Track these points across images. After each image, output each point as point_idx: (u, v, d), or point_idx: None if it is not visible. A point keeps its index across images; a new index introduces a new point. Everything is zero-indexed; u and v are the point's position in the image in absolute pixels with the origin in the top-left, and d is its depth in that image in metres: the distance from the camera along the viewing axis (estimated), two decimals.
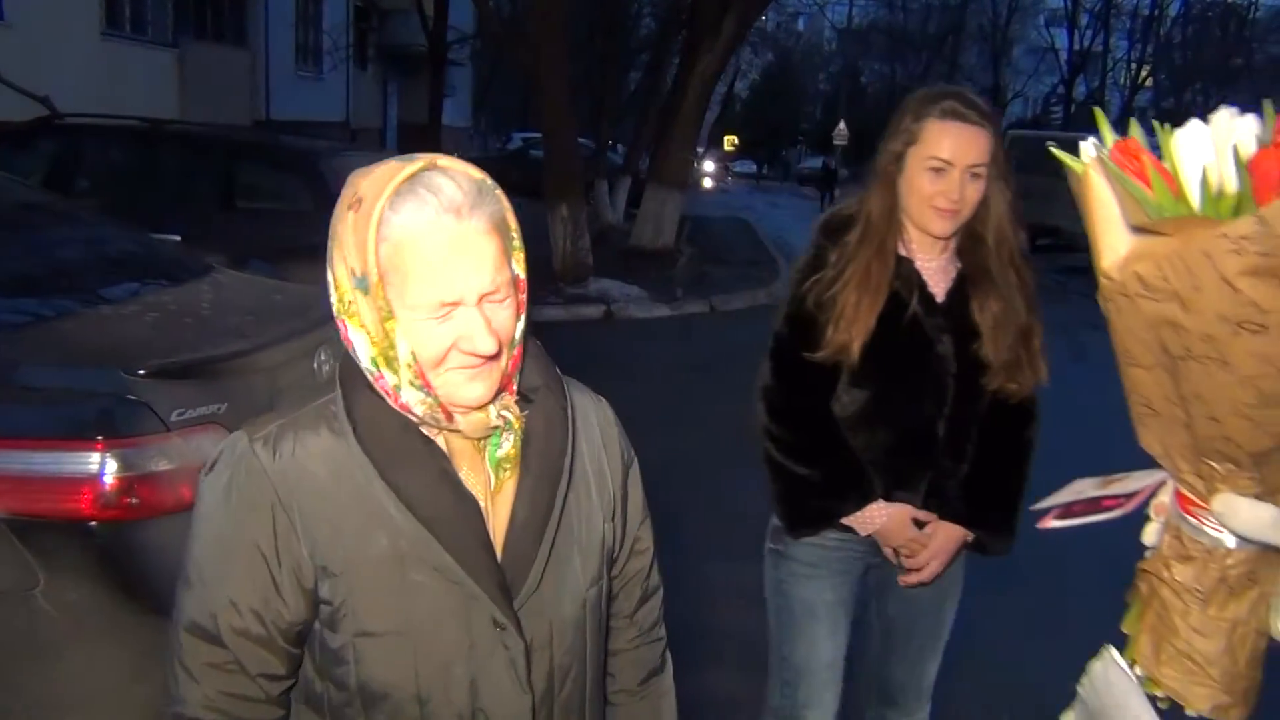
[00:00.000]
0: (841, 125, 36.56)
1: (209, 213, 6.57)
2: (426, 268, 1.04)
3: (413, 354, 1.07)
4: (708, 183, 39.22)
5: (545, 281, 10.77)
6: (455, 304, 1.05)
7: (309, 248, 5.26)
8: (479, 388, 1.10)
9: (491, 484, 1.17)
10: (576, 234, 11.04)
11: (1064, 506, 0.93)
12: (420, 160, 1.07)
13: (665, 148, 13.81)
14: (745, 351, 9.96)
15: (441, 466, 1.13)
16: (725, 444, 6.33)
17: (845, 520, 2.13)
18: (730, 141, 55.65)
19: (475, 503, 1.14)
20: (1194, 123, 0.74)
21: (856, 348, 1.97)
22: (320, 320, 3.03)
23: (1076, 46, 37.75)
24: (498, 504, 1.17)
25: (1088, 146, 0.75)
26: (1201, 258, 0.65)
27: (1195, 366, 0.70)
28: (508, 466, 1.18)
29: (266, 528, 1.12)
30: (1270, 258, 0.64)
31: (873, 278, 1.96)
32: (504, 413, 1.15)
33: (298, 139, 8.82)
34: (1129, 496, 0.87)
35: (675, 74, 14.76)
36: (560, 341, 9.68)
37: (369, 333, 1.08)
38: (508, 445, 1.17)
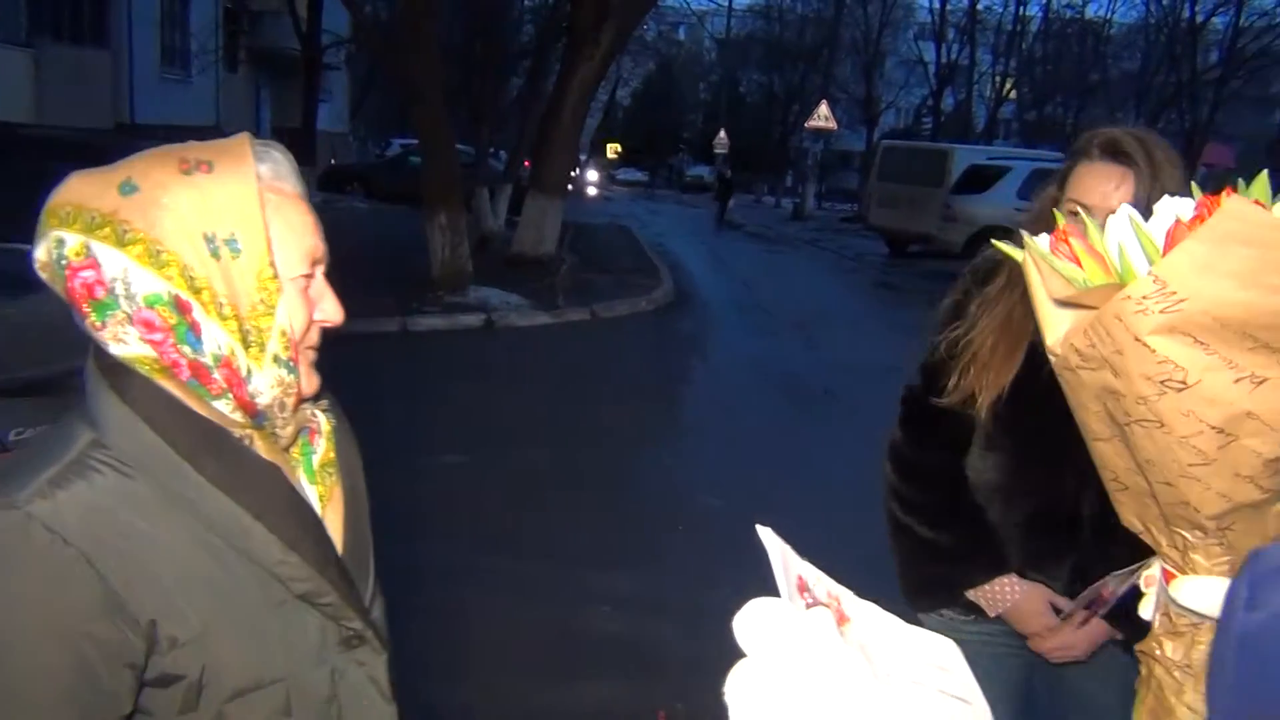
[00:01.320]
0: (722, 134, 37.11)
1: None
2: (300, 223, 1.04)
3: (289, 321, 1.02)
4: (591, 190, 39.29)
5: (424, 289, 10.62)
6: (319, 262, 1.06)
7: None
8: (316, 378, 1.09)
9: (314, 496, 1.11)
10: (456, 242, 10.91)
11: (1088, 604, 0.94)
12: (242, 135, 1.06)
13: (546, 155, 13.79)
14: (626, 358, 10.15)
15: (282, 478, 1.05)
16: (607, 451, 6.37)
17: (971, 594, 1.86)
18: (613, 149, 55.90)
19: (318, 516, 1.09)
20: (1125, 208, 0.78)
21: (987, 398, 1.77)
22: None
23: (944, 59, 39.09)
24: (328, 514, 1.11)
25: (1033, 238, 0.78)
26: (1115, 322, 0.68)
27: (1139, 431, 0.72)
28: (330, 472, 1.13)
29: (81, 611, 0.93)
30: (1169, 314, 0.66)
31: (1013, 325, 1.74)
32: (316, 413, 1.13)
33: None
34: (1128, 590, 0.89)
35: (555, 81, 14.74)
36: (440, 351, 9.65)
37: (226, 309, 0.97)
38: (321, 450, 1.13)
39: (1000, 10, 39.48)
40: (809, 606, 0.62)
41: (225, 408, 1.00)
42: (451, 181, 11.07)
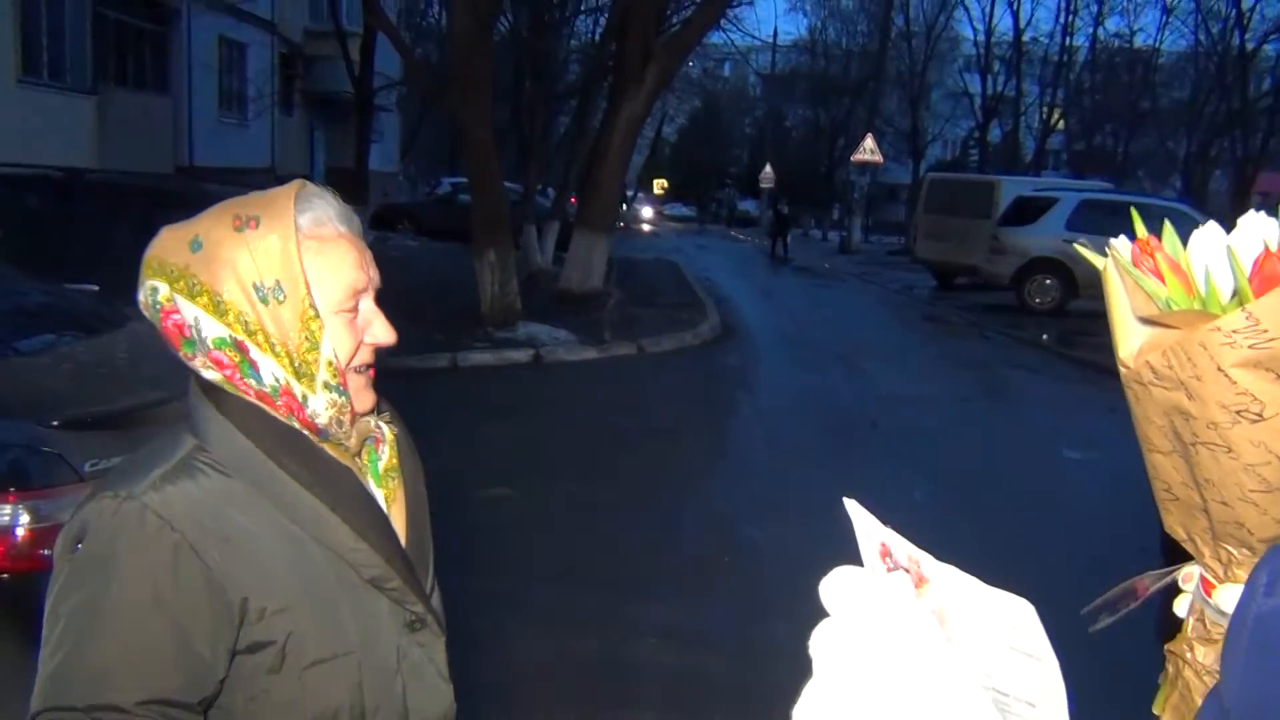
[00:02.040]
0: (768, 168, 37.26)
1: (129, 262, 6.50)
2: (343, 261, 1.17)
3: (334, 351, 1.15)
4: (646, 226, 39.63)
5: (473, 325, 10.79)
6: (363, 291, 1.19)
7: None
8: (371, 393, 1.23)
9: (380, 497, 1.25)
10: (504, 278, 11.09)
11: (1106, 608, 0.96)
12: (294, 184, 1.18)
13: (592, 192, 13.97)
14: (673, 392, 10.17)
15: (354, 477, 1.20)
16: (653, 484, 6.42)
17: None
18: (659, 185, 56.29)
19: (384, 513, 1.24)
20: (1210, 224, 0.79)
21: None
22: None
23: (990, 91, 38.96)
24: (393, 513, 1.27)
25: (1117, 242, 0.81)
26: (1199, 349, 0.70)
27: (1204, 452, 0.74)
28: (393, 476, 1.28)
29: (185, 589, 1.08)
30: (1258, 350, 0.68)
31: None
32: (380, 424, 1.28)
33: (221, 187, 8.76)
34: (1159, 583, 0.92)
35: (602, 119, 14.95)
36: (489, 385, 9.74)
37: (276, 345, 1.12)
38: (386, 456, 1.28)
39: (1047, 41, 39.33)
40: (890, 570, 0.69)
41: (294, 426, 1.17)
42: (500, 219, 11.26)
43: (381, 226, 21.75)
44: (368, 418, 1.25)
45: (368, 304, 1.21)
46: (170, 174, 15.86)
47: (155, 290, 1.13)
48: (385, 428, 1.28)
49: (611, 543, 5.24)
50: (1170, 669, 0.90)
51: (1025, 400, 10.06)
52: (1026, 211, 16.90)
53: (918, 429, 8.39)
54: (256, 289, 1.11)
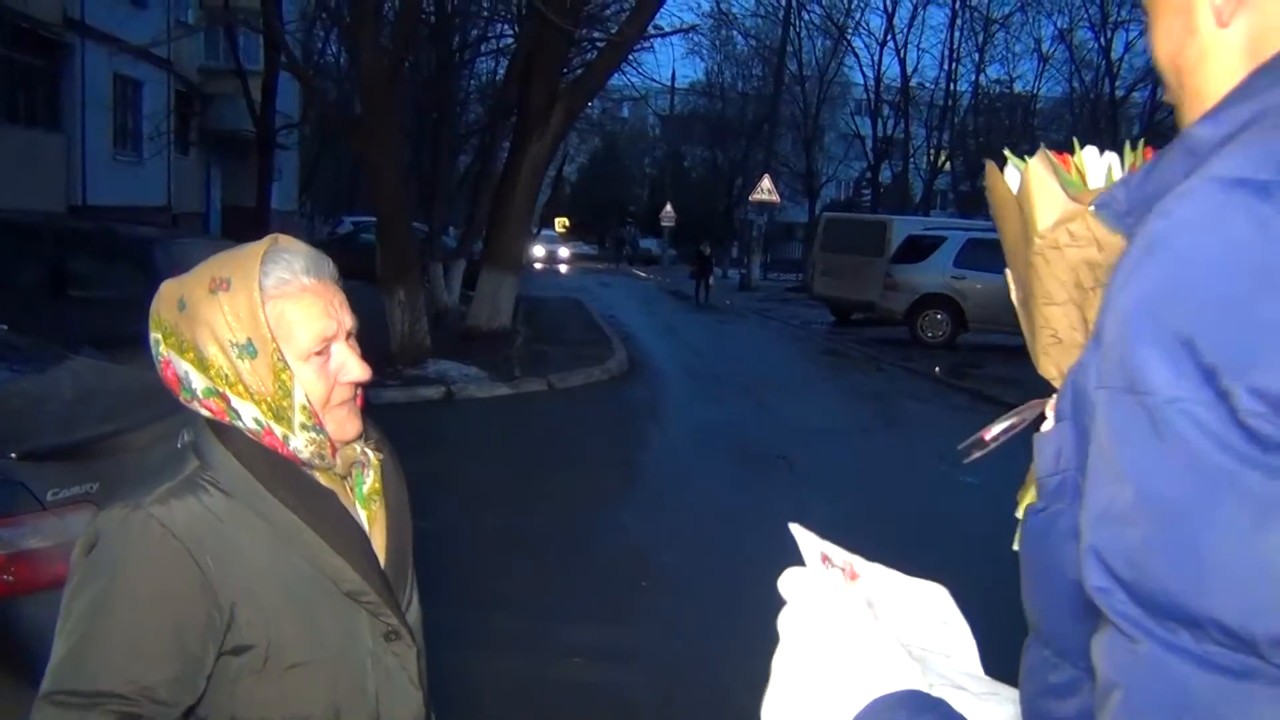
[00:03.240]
0: (668, 207, 37.83)
1: (37, 301, 6.45)
2: (309, 313, 1.28)
3: (306, 396, 1.27)
4: (537, 266, 39.80)
5: (383, 364, 10.80)
6: (333, 338, 1.30)
7: (141, 335, 5.31)
8: (355, 421, 1.35)
9: (363, 518, 1.39)
10: (414, 316, 11.16)
11: (975, 443, 1.19)
12: (266, 241, 1.30)
13: (499, 231, 14.13)
14: (584, 426, 10.33)
15: (336, 501, 1.34)
16: (569, 514, 6.58)
17: None
18: (561, 223, 56.63)
19: (365, 532, 1.38)
20: (1090, 147, 1.07)
21: None
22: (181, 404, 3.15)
23: (880, 134, 40.36)
24: (373, 534, 1.40)
25: (1041, 153, 1.06)
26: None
27: (1102, 292, 0.85)
28: (375, 499, 1.42)
29: (183, 590, 1.21)
30: None
31: None
32: (366, 450, 1.40)
33: (129, 226, 8.70)
34: (1038, 417, 1.13)
35: (506, 159, 15.15)
36: (401, 423, 9.74)
37: (254, 394, 1.25)
38: (370, 480, 1.41)
39: (932, 87, 41.00)
40: (828, 570, 0.93)
41: (283, 456, 1.31)
42: (409, 258, 11.35)
43: None
44: (354, 444, 1.38)
45: (339, 347, 1.32)
46: (65, 213, 15.47)
47: (157, 342, 1.28)
48: (371, 454, 1.41)
49: (532, 571, 5.38)
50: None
51: (919, 428, 10.50)
52: (917, 250, 17.61)
53: (821, 457, 8.73)
54: (232, 345, 1.23)
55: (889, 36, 39.76)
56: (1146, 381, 0.60)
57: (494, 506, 6.56)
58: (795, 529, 0.99)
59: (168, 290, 1.29)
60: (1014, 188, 1.05)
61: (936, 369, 14.15)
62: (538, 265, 40.18)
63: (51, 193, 16.59)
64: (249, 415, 1.26)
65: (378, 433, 1.49)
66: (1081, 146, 1.09)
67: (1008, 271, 1.11)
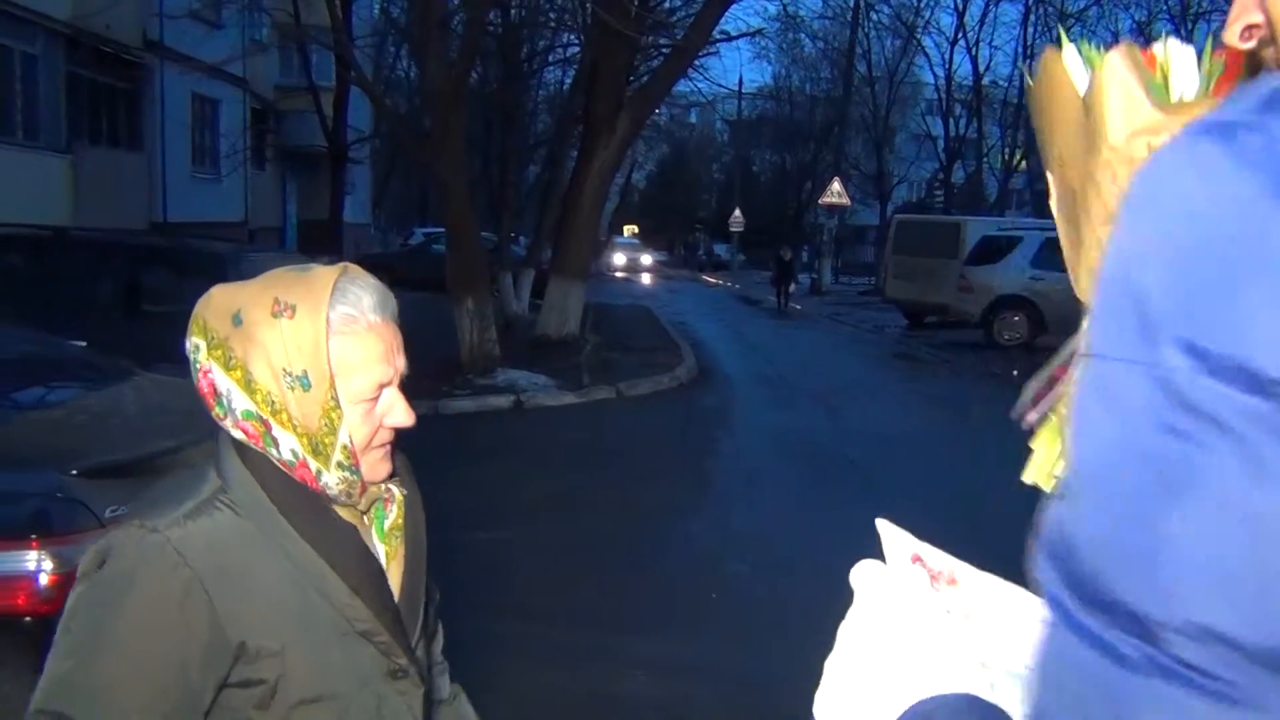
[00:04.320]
0: (737, 212, 37.71)
1: (113, 318, 6.60)
2: (370, 356, 1.23)
3: (350, 437, 1.22)
4: (618, 275, 39.80)
5: (454, 374, 10.89)
6: (388, 383, 1.26)
7: None
8: (388, 465, 1.31)
9: (382, 552, 1.35)
10: (483, 326, 11.21)
11: (1033, 401, 1.09)
12: (336, 269, 1.25)
13: (566, 239, 14.17)
14: (652, 434, 10.26)
15: (356, 537, 1.30)
16: (637, 524, 6.52)
17: None
18: (630, 230, 56.80)
19: (382, 569, 1.33)
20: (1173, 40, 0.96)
21: None
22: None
23: (952, 134, 39.72)
24: (391, 569, 1.36)
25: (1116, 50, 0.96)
26: None
27: None
28: (397, 535, 1.37)
29: (190, 622, 1.16)
30: None
31: None
32: (391, 486, 1.36)
33: (202, 242, 8.87)
34: (1071, 356, 1.05)
35: (573, 168, 15.19)
36: (471, 432, 9.81)
37: (297, 426, 1.20)
38: (393, 515, 1.37)
39: (1005, 84, 40.23)
40: (917, 572, 0.84)
41: (307, 486, 1.26)
42: (477, 268, 11.42)
43: None
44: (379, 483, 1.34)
45: (391, 392, 1.27)
46: (146, 231, 15.89)
47: (198, 348, 1.22)
48: (396, 490, 1.37)
49: (599, 581, 5.33)
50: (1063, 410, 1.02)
51: (997, 434, 10.24)
52: (992, 250, 17.25)
53: (895, 464, 8.55)
54: (285, 374, 1.18)
55: (960, 34, 39.10)
56: (1094, 343, 0.57)
57: (561, 516, 6.53)
58: (883, 525, 0.89)
59: (221, 299, 1.23)
60: (1079, 84, 0.94)
61: (1014, 373, 13.81)
62: (619, 274, 40.17)
63: (134, 211, 17.05)
64: (287, 445, 1.22)
65: (404, 466, 1.45)
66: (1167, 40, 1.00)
67: (1049, 174, 1.00)
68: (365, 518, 1.34)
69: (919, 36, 39.81)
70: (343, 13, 14.82)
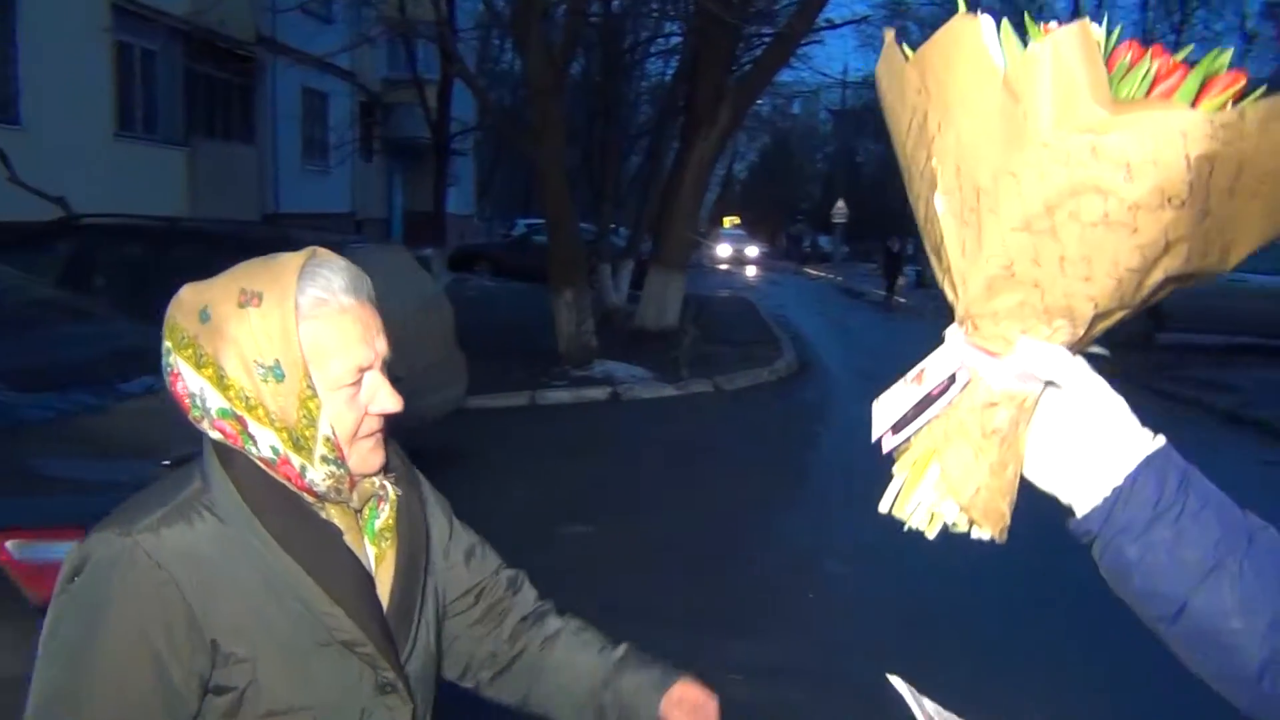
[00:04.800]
0: (841, 204, 37.16)
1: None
2: (346, 339, 1.16)
3: (331, 428, 1.16)
4: (721, 267, 39.45)
5: (551, 364, 10.91)
6: (368, 368, 1.18)
7: None
8: (380, 453, 1.24)
9: (371, 556, 1.27)
10: (581, 317, 11.20)
11: (894, 424, 0.98)
12: (304, 253, 1.18)
13: (666, 230, 14.08)
14: (750, 428, 10.13)
15: (339, 542, 1.22)
16: (733, 519, 6.40)
17: None
18: (730, 221, 56.49)
19: (369, 575, 1.25)
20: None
21: None
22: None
23: None
24: (380, 573, 1.28)
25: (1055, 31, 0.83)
26: (1178, 136, 0.72)
27: (1104, 232, 0.77)
28: (388, 537, 1.29)
29: (168, 625, 1.13)
30: (1228, 145, 0.73)
31: None
32: (385, 482, 1.28)
33: (308, 232, 9.03)
34: (950, 378, 0.93)
35: (674, 158, 15.09)
36: (567, 424, 9.83)
37: (275, 421, 1.14)
38: (384, 516, 1.29)
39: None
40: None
41: (290, 487, 1.20)
42: (576, 259, 11.41)
43: (459, 268, 22.15)
44: (374, 477, 1.27)
45: (373, 376, 1.21)
46: (257, 221, 16.34)
47: (169, 351, 1.17)
48: (390, 487, 1.29)
49: (694, 579, 5.23)
50: (939, 432, 0.90)
51: None
52: None
53: None
54: (258, 366, 1.13)
55: (1075, 19, 37.81)
56: None
57: (656, 511, 6.45)
58: (896, 681, 0.84)
59: (189, 297, 1.17)
60: (998, 59, 0.82)
61: (1130, 369, 13.26)
62: (722, 266, 39.82)
63: (247, 203, 17.55)
64: (266, 442, 1.16)
65: (402, 463, 1.37)
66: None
67: (931, 164, 0.88)
68: (359, 517, 1.27)
69: (1033, 21, 38.63)
70: (447, 6, 14.98)
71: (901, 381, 0.96)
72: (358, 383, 1.19)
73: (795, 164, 55.90)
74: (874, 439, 0.94)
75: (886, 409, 0.96)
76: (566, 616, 1.58)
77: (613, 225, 19.53)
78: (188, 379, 1.16)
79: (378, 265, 7.08)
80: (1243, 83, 0.79)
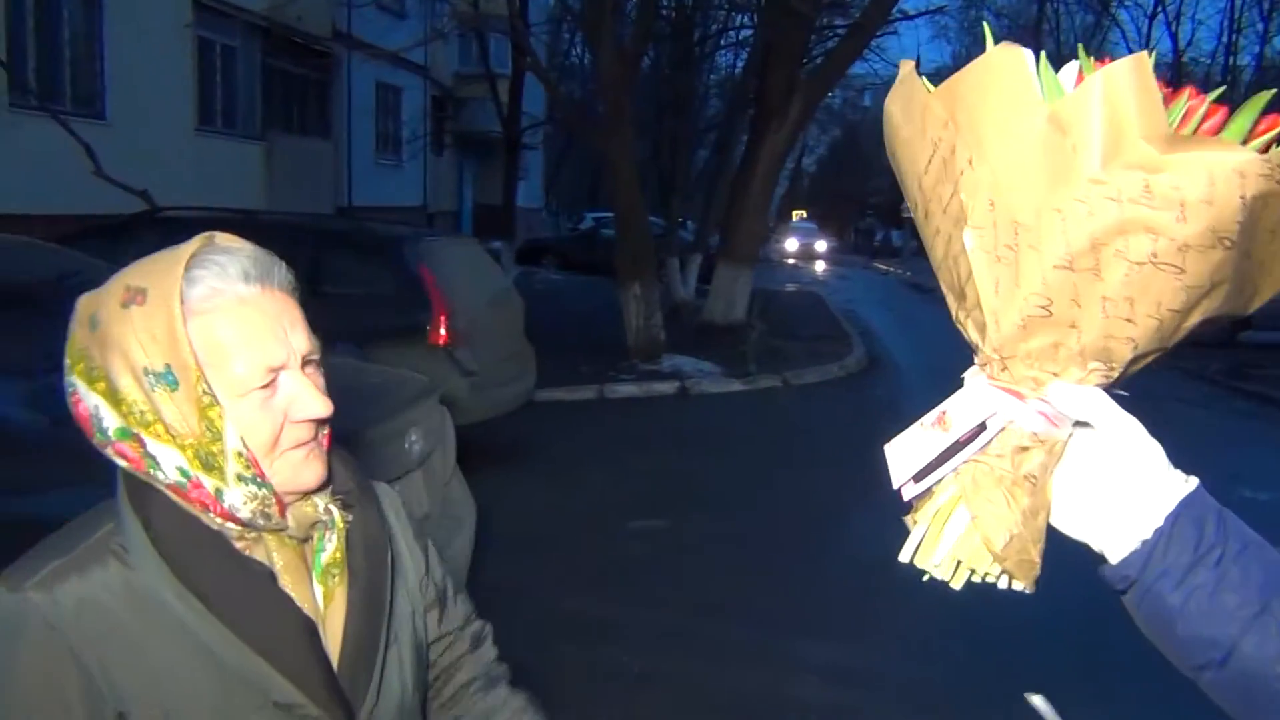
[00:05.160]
0: None
1: (301, 300, 6.84)
2: (246, 334, 0.99)
3: (242, 440, 0.98)
4: (790, 261, 39.08)
5: (619, 359, 10.91)
6: (281, 367, 1.00)
7: (391, 330, 5.49)
8: (315, 466, 1.04)
9: (319, 596, 1.09)
10: (649, 311, 11.19)
11: (917, 473, 0.94)
12: (197, 240, 1.01)
13: (735, 224, 13.99)
14: (820, 424, 10.05)
15: (268, 586, 1.04)
16: (807, 517, 6.33)
17: None
18: (799, 215, 56.03)
19: (310, 621, 1.06)
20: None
21: None
22: (410, 401, 3.16)
23: None
24: (329, 616, 1.09)
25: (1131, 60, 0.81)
26: (1235, 175, 0.71)
27: (1148, 270, 0.75)
28: (335, 573, 1.10)
29: (60, 701, 0.96)
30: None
31: None
32: (330, 506, 1.08)
33: (382, 225, 9.14)
34: (980, 425, 0.90)
35: (743, 152, 14.98)
36: (636, 417, 9.83)
37: (177, 437, 0.97)
38: (331, 548, 1.09)
39: (1208, 61, 37.58)
40: None
41: (214, 522, 1.02)
42: (645, 253, 11.39)
43: (526, 261, 22.30)
44: (315, 499, 1.07)
45: (290, 376, 1.02)
46: (332, 213, 16.60)
47: (68, 369, 1.01)
48: (336, 512, 1.09)
49: (765, 577, 5.19)
50: (967, 483, 0.88)
51: (1196, 436, 9.54)
52: None
53: None
54: (148, 374, 0.96)
55: (1159, 8, 36.76)
56: None
57: (726, 507, 6.41)
58: (1036, 701, 0.77)
59: (83, 304, 1.01)
60: (1041, 91, 0.79)
61: (1213, 370, 12.87)
62: (789, 260, 39.48)
63: (322, 196, 17.84)
64: (171, 464, 0.98)
65: (354, 480, 1.16)
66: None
67: (927, 203, 0.87)
68: (306, 548, 1.08)
69: (1114, 10, 37.63)
70: (520, 0, 15.05)
71: (919, 425, 0.93)
72: (270, 384, 1.00)
73: (865, 158, 55.22)
74: (895, 487, 0.90)
75: (905, 455, 0.92)
76: (513, 692, 1.36)
77: (681, 219, 19.49)
78: (84, 397, 0.99)
79: (453, 258, 7.19)
80: None
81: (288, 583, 1.05)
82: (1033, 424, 0.86)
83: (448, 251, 7.24)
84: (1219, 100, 0.80)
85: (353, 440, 2.72)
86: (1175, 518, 0.81)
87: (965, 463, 0.88)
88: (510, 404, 7.05)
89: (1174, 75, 36.62)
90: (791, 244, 42.94)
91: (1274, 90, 0.82)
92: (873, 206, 55.15)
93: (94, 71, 12.37)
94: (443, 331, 6.40)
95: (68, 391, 1.01)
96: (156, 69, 12.99)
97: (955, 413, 0.91)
